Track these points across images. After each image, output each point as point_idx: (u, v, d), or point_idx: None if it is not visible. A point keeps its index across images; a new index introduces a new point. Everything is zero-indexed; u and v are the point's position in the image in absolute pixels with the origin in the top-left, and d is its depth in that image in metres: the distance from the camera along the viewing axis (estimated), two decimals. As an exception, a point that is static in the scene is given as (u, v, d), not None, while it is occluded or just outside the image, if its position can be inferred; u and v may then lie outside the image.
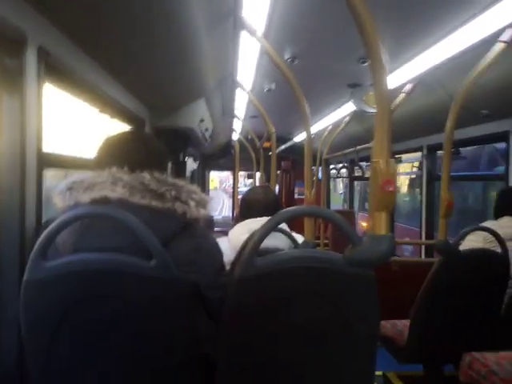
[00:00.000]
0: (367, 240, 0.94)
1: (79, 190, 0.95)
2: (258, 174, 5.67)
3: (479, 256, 1.74)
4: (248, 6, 1.63)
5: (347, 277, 0.95)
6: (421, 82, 2.57)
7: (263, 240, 0.97)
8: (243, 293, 0.97)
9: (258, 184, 5.95)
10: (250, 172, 9.30)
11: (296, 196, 7.34)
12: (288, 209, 1.00)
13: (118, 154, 1.03)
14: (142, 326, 0.89)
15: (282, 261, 0.97)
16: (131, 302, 0.88)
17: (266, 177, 4.74)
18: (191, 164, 5.00)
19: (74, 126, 1.97)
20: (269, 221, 0.98)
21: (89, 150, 1.65)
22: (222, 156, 6.82)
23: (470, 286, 1.67)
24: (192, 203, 1.00)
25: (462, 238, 1.79)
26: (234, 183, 6.44)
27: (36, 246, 0.85)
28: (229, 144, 6.13)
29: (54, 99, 1.40)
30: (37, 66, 1.04)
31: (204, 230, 1.07)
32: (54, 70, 1.16)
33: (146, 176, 0.98)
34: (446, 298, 1.66)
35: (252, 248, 0.96)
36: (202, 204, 1.04)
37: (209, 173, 8.91)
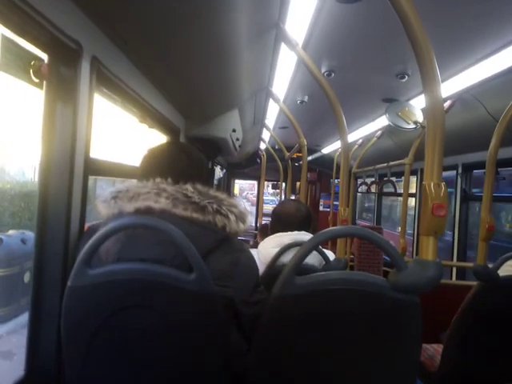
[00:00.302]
0: (413, 265, 0.91)
1: (124, 199, 0.96)
2: (283, 185, 5.64)
3: None
4: (291, 19, 1.63)
5: (390, 301, 0.92)
6: (459, 99, 2.50)
7: (304, 259, 0.96)
8: (280, 310, 0.95)
9: (283, 194, 5.92)
10: (274, 182, 9.28)
11: (321, 208, 7.23)
12: (332, 229, 0.98)
13: (162, 164, 1.04)
14: (179, 338, 0.89)
15: (322, 282, 0.95)
16: (171, 314, 0.87)
17: (292, 187, 4.70)
18: (218, 172, 5.03)
19: (112, 133, 2.01)
20: (311, 240, 0.96)
21: (126, 158, 1.68)
22: (248, 165, 6.84)
23: (510, 314, 1.59)
24: (232, 217, 0.99)
25: (502, 263, 1.72)
26: (258, 192, 6.43)
27: (82, 253, 0.86)
28: (256, 153, 6.14)
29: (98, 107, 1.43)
30: (90, 75, 1.07)
31: (241, 245, 1.06)
32: (102, 78, 1.19)
33: (189, 188, 0.98)
34: (484, 324, 1.59)
35: (292, 266, 0.94)
36: (242, 218, 1.03)
37: (234, 181, 8.94)
